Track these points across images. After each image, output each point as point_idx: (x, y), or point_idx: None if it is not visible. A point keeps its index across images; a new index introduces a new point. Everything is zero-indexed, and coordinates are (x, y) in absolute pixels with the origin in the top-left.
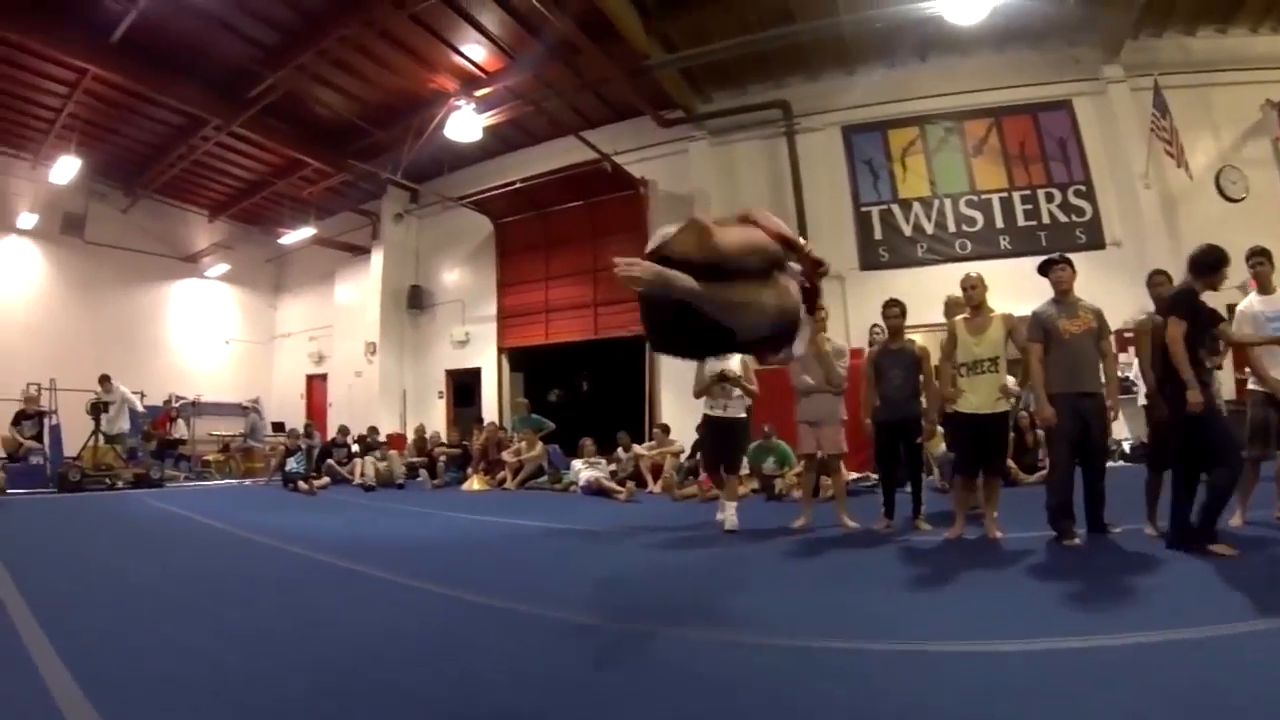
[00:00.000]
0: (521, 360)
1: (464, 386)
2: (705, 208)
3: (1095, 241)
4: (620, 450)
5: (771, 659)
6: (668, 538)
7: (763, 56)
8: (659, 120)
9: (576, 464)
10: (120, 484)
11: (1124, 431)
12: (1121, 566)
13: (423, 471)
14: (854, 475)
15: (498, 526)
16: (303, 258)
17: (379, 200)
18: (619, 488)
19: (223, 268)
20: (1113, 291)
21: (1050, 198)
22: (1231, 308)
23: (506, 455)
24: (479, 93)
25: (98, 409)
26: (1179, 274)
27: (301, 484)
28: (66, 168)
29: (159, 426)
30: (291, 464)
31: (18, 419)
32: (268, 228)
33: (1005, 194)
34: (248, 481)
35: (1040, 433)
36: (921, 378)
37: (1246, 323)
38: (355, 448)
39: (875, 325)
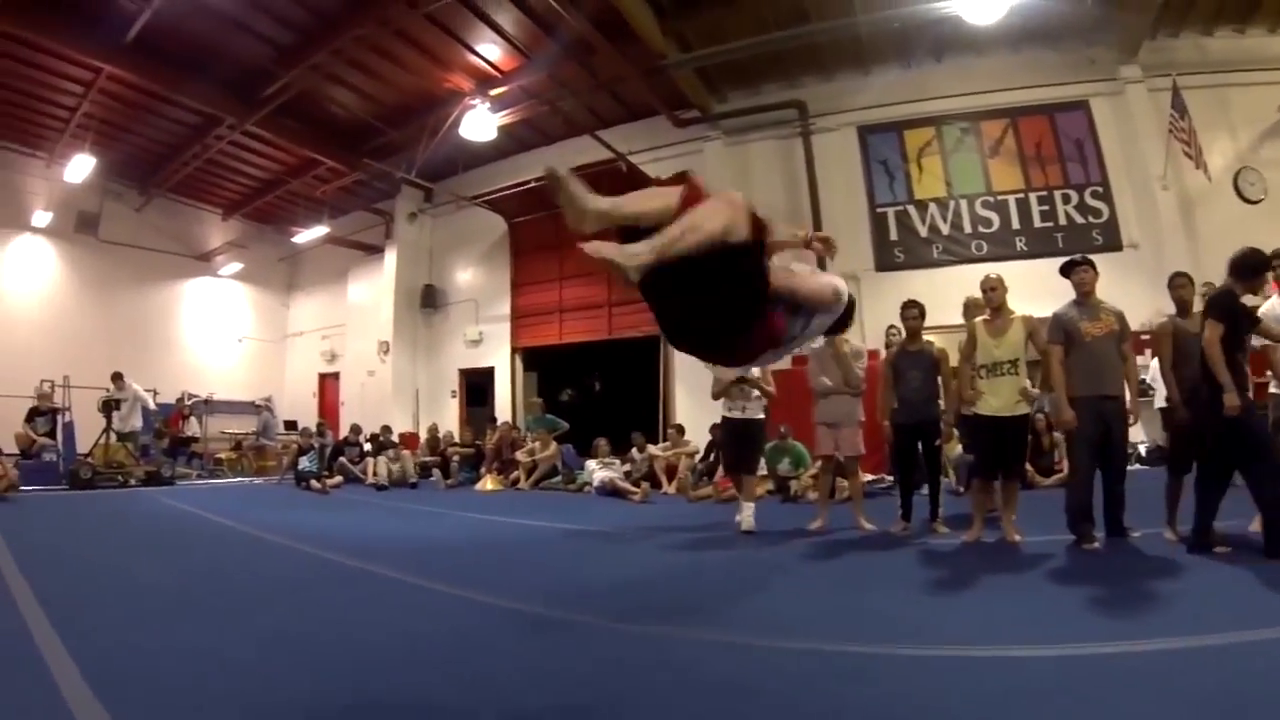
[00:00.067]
0: (535, 360)
1: (477, 386)
2: None
3: (1112, 243)
4: (635, 451)
5: (787, 662)
6: (683, 539)
7: (778, 56)
8: (674, 120)
9: (591, 464)
10: (132, 481)
11: (1140, 435)
12: (1142, 571)
13: (435, 471)
14: (869, 477)
15: (511, 527)
16: (316, 256)
17: (393, 199)
18: (633, 488)
19: (236, 266)
20: (1130, 293)
21: (1067, 199)
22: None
23: (520, 455)
24: (494, 92)
25: (110, 406)
26: (1198, 276)
27: (314, 483)
28: (81, 166)
29: (171, 424)
30: (304, 463)
31: (31, 416)
32: (281, 226)
33: (1022, 195)
34: (260, 480)
35: (1057, 435)
36: (940, 380)
37: (1270, 325)
38: (368, 447)
39: (892, 326)
